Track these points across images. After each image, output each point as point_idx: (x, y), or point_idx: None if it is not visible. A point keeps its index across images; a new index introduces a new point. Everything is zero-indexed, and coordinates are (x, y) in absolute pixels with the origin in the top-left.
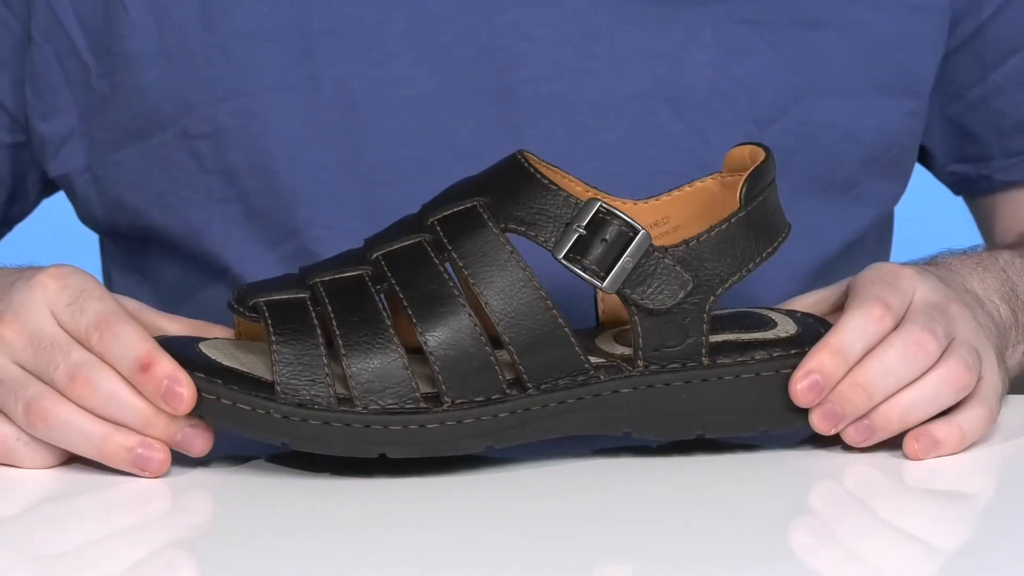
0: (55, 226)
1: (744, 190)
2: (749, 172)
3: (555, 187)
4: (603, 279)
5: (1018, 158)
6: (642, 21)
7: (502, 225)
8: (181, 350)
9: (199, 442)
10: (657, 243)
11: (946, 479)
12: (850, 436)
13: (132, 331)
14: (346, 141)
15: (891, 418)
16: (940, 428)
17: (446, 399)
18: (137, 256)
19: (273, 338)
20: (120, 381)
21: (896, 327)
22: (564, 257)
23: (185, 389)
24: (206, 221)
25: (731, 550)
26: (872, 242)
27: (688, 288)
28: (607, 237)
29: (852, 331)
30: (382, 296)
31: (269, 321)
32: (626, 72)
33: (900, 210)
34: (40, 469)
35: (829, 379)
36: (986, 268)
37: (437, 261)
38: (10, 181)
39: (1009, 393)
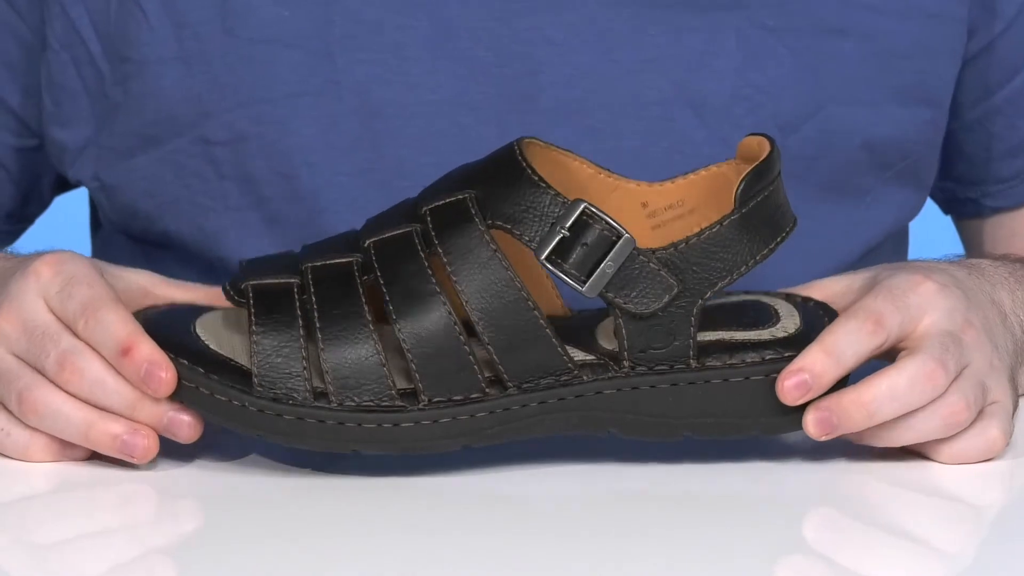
0: (63, 218)
1: (740, 189)
2: (748, 172)
3: (543, 185)
4: (583, 283)
5: (1007, 184)
6: (663, 27)
7: (489, 221)
8: (173, 329)
9: (186, 428)
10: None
11: (951, 489)
12: (811, 431)
13: (115, 316)
14: (367, 146)
15: (880, 435)
16: (942, 453)
17: (423, 397)
18: (153, 262)
19: (254, 328)
20: (105, 367)
21: (899, 343)
22: (546, 258)
23: (165, 372)
24: (222, 228)
25: (725, 561)
26: (888, 250)
27: (673, 292)
28: (588, 241)
29: (845, 335)
30: (364, 288)
31: (253, 310)
32: (647, 78)
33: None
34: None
35: (818, 379)
36: (1019, 280)
37: (423, 255)
38: (25, 182)
39: None
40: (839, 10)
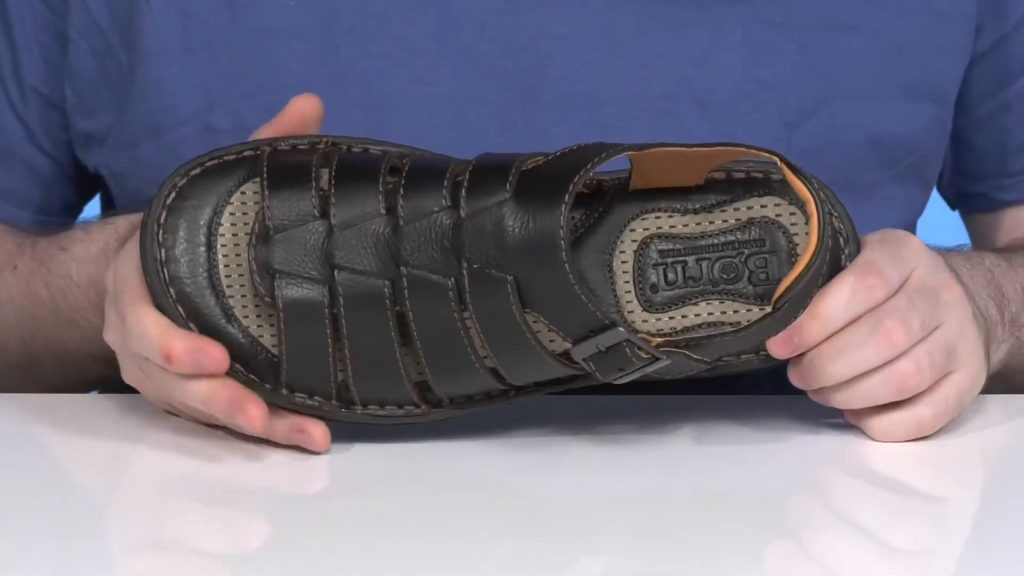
0: None
1: (780, 293)
2: (793, 276)
3: (584, 301)
4: (615, 380)
5: (1018, 178)
6: (668, 22)
7: (527, 311)
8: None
9: (252, 417)
10: None
11: (928, 479)
12: (819, 397)
13: (144, 329)
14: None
15: (835, 397)
16: (873, 423)
17: (445, 402)
18: None
19: (284, 346)
20: (178, 382)
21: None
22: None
23: (212, 351)
24: None
25: (707, 555)
26: None
27: (701, 368)
28: (624, 368)
29: (839, 296)
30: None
31: (283, 324)
32: (652, 72)
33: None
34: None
35: (804, 339)
36: (974, 265)
37: (456, 317)
38: (78, 174)
39: (1005, 392)
40: (845, 6)
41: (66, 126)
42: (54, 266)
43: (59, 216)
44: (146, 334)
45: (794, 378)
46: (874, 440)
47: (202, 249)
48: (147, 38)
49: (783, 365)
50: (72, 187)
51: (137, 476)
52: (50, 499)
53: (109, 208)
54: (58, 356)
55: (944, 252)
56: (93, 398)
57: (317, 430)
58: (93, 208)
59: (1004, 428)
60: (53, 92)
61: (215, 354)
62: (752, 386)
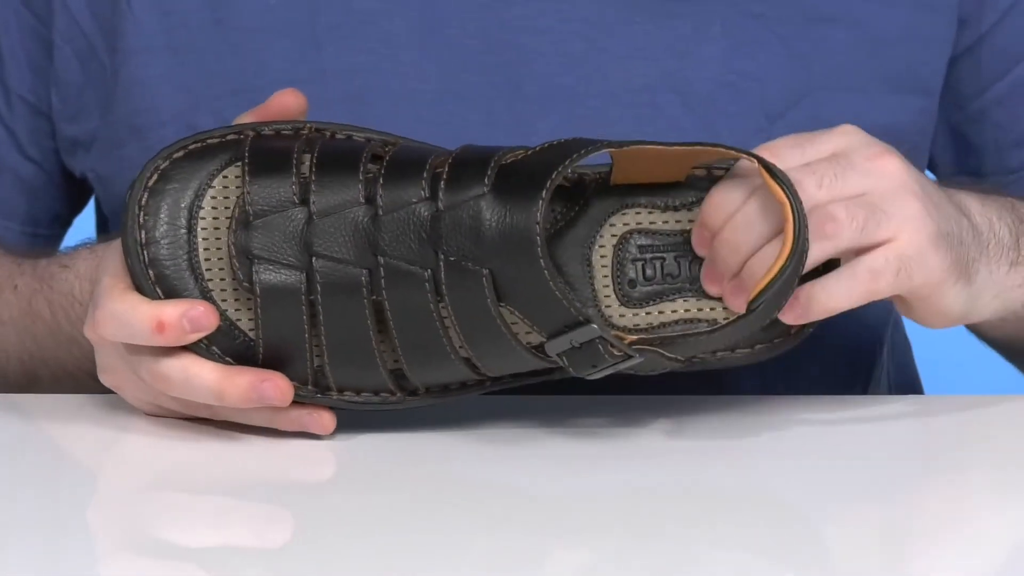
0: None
1: (753, 297)
2: (767, 283)
3: (558, 297)
4: (588, 375)
5: (1016, 175)
6: (650, 14)
7: (502, 304)
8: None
9: (277, 392)
10: None
11: (927, 479)
12: (729, 300)
13: (126, 310)
14: None
15: (756, 272)
16: (814, 288)
17: (421, 391)
18: None
19: (260, 331)
20: (179, 363)
21: None
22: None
23: (201, 307)
24: None
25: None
26: None
27: (675, 366)
28: (597, 364)
29: (723, 187)
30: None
31: (259, 309)
32: (635, 65)
33: None
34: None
35: (708, 221)
36: (990, 196)
37: (432, 308)
38: (68, 184)
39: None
40: None
41: (53, 133)
42: (56, 284)
43: (48, 228)
44: (130, 315)
45: (709, 281)
46: (825, 305)
47: (183, 232)
48: (129, 38)
49: (763, 361)
50: (60, 197)
51: (126, 472)
52: (38, 496)
53: (102, 215)
54: (56, 375)
55: (958, 185)
56: (79, 397)
57: (327, 413)
58: (84, 219)
59: (1007, 429)
60: (39, 100)
61: (204, 310)
62: (733, 386)
